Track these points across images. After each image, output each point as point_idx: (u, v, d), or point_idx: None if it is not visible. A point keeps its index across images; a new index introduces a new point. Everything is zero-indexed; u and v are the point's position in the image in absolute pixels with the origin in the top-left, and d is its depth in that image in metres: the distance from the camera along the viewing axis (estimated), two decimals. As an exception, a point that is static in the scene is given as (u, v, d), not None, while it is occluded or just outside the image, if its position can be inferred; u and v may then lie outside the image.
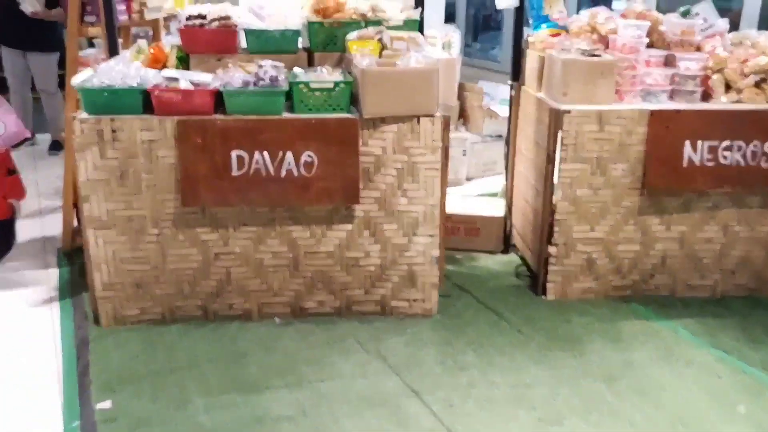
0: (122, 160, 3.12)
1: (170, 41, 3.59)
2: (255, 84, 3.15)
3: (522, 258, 4.17)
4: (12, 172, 5.14)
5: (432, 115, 3.22)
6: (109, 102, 3.08)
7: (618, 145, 3.47)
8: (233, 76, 3.17)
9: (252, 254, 3.32)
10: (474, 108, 5.83)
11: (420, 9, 3.76)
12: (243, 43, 3.57)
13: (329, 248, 3.35)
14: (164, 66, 3.46)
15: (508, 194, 4.34)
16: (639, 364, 3.12)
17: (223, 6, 3.64)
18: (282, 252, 3.34)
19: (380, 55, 3.42)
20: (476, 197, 4.70)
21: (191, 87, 3.16)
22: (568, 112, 3.41)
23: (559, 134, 3.44)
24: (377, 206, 3.31)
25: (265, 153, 3.15)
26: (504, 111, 6.03)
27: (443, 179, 3.32)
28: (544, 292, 3.70)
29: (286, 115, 3.19)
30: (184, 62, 3.50)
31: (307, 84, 3.18)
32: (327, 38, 3.58)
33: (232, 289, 3.36)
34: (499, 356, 3.18)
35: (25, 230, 4.57)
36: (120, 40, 4.23)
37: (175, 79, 3.19)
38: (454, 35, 5.89)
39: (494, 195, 5.03)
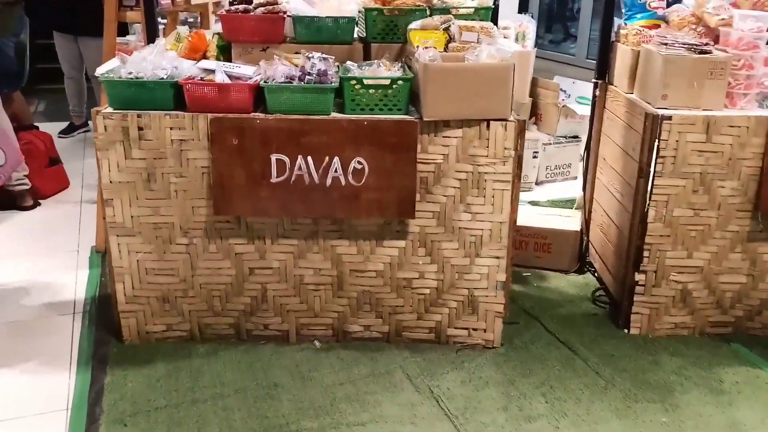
0: (149, 161, 2.77)
1: (217, 29, 3.21)
2: (301, 79, 2.74)
3: (599, 280, 3.65)
4: (55, 161, 4.94)
5: (505, 120, 2.75)
6: (136, 96, 2.73)
7: (727, 158, 2.91)
8: (277, 69, 2.77)
9: (291, 270, 2.93)
10: (548, 106, 5.29)
11: (494, -5, 3.28)
12: (292, 31, 3.16)
13: (378, 267, 2.93)
14: (204, 56, 3.09)
15: (586, 207, 3.82)
16: (747, 426, 2.59)
17: (271, -11, 3.25)
18: (325, 269, 2.94)
19: (446, 48, 2.96)
20: (548, 207, 4.19)
21: (228, 80, 2.78)
22: (669, 118, 2.88)
23: (656, 144, 2.91)
24: (435, 222, 2.87)
25: (309, 158, 2.75)
26: (582, 110, 5.49)
27: (514, 193, 2.84)
28: (628, 326, 3.19)
29: (335, 115, 2.78)
30: (225, 52, 3.12)
31: (360, 80, 2.75)
32: (386, 28, 3.14)
33: (267, 308, 2.99)
34: (573, 404, 2.69)
35: (62, 223, 4.33)
36: (163, 27, 3.91)
37: (212, 71, 2.82)
38: (529, 26, 5.37)
39: (568, 205, 4.52)
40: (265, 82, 2.76)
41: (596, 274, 3.72)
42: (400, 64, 3.04)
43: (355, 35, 3.19)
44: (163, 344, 2.99)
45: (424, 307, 2.99)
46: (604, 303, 3.46)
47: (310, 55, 2.80)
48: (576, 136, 5.44)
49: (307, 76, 2.74)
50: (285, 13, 3.08)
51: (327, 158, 2.75)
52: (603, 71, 3.60)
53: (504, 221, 2.86)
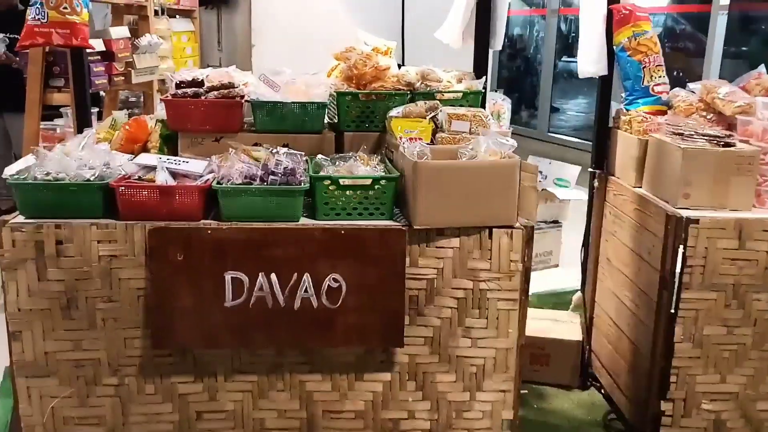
0: (70, 283, 2.20)
1: (162, 114, 2.70)
2: (263, 179, 2.24)
3: (609, 400, 3.16)
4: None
5: (510, 227, 2.29)
6: (55, 201, 2.19)
7: (763, 267, 2.50)
8: (233, 167, 2.27)
9: (249, 413, 2.36)
10: (526, 189, 4.85)
11: (483, 79, 2.87)
12: (250, 116, 2.67)
13: (358, 406, 2.38)
14: (144, 147, 2.58)
15: (586, 312, 3.37)
16: None
17: (227, 71, 2.77)
18: (291, 410, 2.37)
19: (433, 140, 2.52)
20: (541, 309, 3.73)
21: (172, 180, 2.26)
22: (696, 221, 2.46)
23: (682, 250, 2.49)
24: (428, 349, 2.35)
25: (273, 276, 2.22)
26: (561, 193, 5.13)
27: (522, 312, 2.36)
28: (652, 461, 2.69)
29: (305, 222, 2.28)
30: (170, 142, 2.61)
31: (335, 180, 2.27)
32: (362, 114, 2.69)
33: (220, 461, 2.39)
34: None
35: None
36: (98, 111, 3.39)
37: (152, 168, 2.30)
38: (504, 105, 5.03)
39: (557, 300, 4.07)
40: (218, 183, 2.25)
41: (603, 391, 3.23)
42: (379, 158, 2.58)
43: (326, 121, 2.72)
44: None
45: (413, 454, 2.44)
46: (617, 430, 2.95)
47: (275, 150, 2.31)
48: (556, 221, 5.06)
49: (271, 176, 2.24)
50: (242, 97, 2.60)
51: (295, 275, 2.23)
52: (600, 160, 3.21)
53: (511, 347, 2.36)
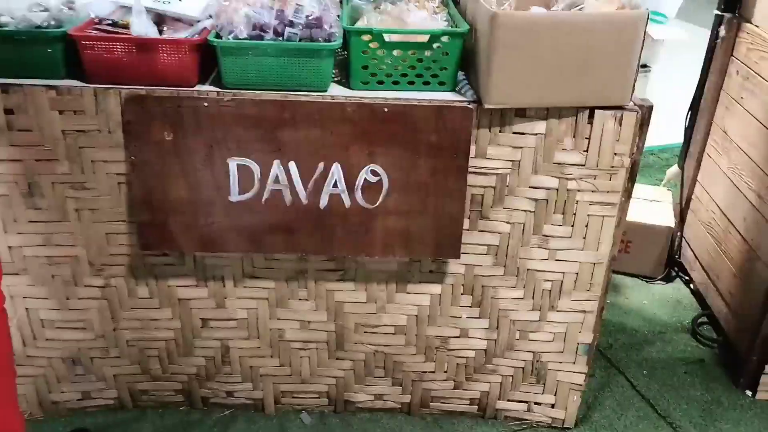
0: (29, 165, 1.68)
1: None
2: (278, 33, 1.60)
3: (700, 299, 2.65)
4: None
5: (620, 108, 1.64)
6: (2, 57, 1.61)
7: None
8: (238, 11, 1.62)
9: (266, 323, 1.93)
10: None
11: None
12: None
13: (399, 321, 1.93)
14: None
15: (684, 191, 2.76)
16: None
17: None
18: (317, 322, 1.93)
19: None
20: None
21: (155, 32, 1.64)
22: None
23: None
24: (491, 260, 1.83)
25: (292, 165, 1.67)
26: (655, 30, 4.27)
27: (620, 220, 1.78)
28: (754, 388, 2.23)
29: (336, 92, 1.67)
30: (161, -33, 1.95)
31: (377, 34, 1.62)
32: (419, -68, 1.95)
33: (232, 371, 2.00)
34: None
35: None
36: None
37: (129, 10, 1.67)
38: None
39: (646, 174, 3.45)
40: (217, 35, 1.62)
41: (693, 287, 2.71)
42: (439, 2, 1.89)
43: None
44: (83, 413, 2.03)
45: (465, 375, 2.01)
46: (710, 341, 2.47)
47: (295, -12, 1.65)
48: (645, 65, 4.24)
49: (289, 28, 1.59)
50: None
51: (321, 165, 1.67)
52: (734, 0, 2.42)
53: (600, 261, 1.82)
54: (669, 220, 2.73)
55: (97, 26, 1.66)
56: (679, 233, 2.77)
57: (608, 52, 1.56)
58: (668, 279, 2.79)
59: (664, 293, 2.73)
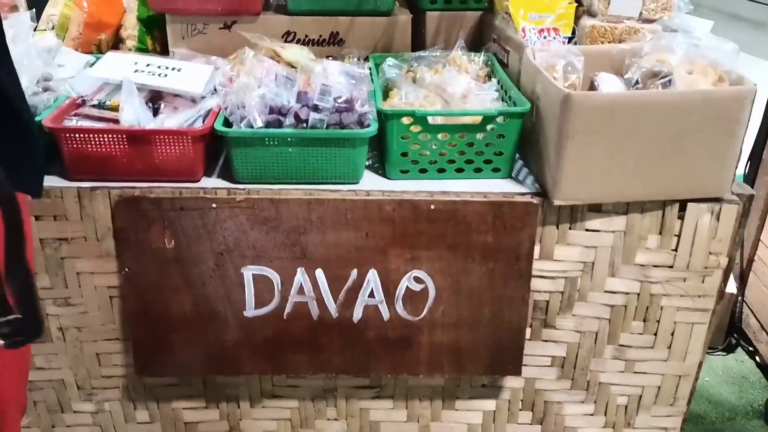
0: (1, 281, 1.39)
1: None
2: (300, 118, 1.31)
3: (763, 368, 2.35)
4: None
5: (718, 200, 1.35)
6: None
7: None
8: (251, 91, 1.34)
9: (289, 446, 1.63)
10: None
11: None
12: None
13: (447, 440, 1.63)
14: (115, 39, 1.66)
15: (746, 252, 2.47)
16: None
17: None
18: (350, 443, 1.63)
19: (575, 32, 1.53)
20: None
21: (147, 115, 1.36)
22: None
23: None
24: (555, 372, 1.54)
25: (319, 272, 1.38)
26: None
27: (713, 327, 1.49)
28: None
29: (370, 183, 1.38)
30: (156, 29, 1.67)
31: (420, 117, 1.33)
32: (458, -18, 1.68)
33: (250, 498, 1.71)
34: None
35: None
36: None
37: (117, 87, 1.39)
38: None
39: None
40: (226, 120, 1.34)
41: (759, 359, 2.41)
42: (484, 56, 1.61)
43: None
44: None
45: (521, 497, 1.71)
46: (788, 429, 2.17)
47: (322, 65, 1.37)
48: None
49: (313, 114, 1.30)
50: (266, -44, 1.61)
51: (355, 272, 1.38)
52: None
53: (687, 373, 1.53)
54: (729, 283, 2.44)
55: (79, 110, 1.38)
56: (740, 297, 2.48)
57: (705, 136, 1.27)
58: (729, 349, 2.49)
59: (728, 367, 2.43)
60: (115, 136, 1.30)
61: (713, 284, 1.42)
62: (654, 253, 1.39)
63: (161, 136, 1.31)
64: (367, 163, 1.44)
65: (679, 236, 1.38)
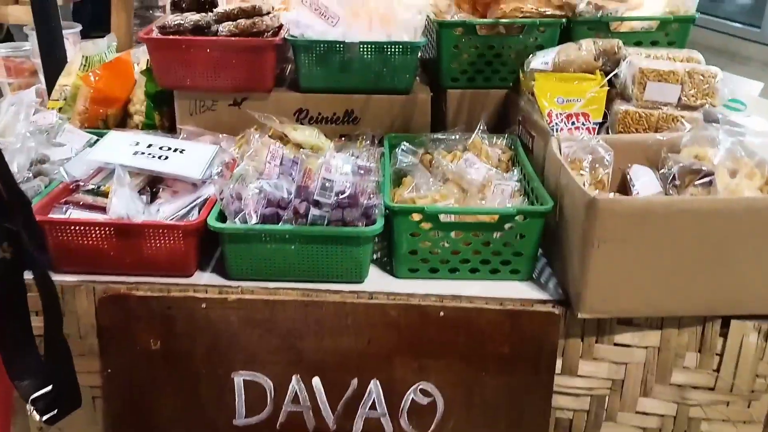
0: (-22, 377, 1.30)
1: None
2: (299, 212, 1.21)
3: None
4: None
5: (766, 317, 1.20)
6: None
7: None
8: (248, 184, 1.24)
9: None
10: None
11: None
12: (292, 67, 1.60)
13: None
14: (123, 114, 1.59)
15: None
16: None
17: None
18: None
19: (606, 117, 1.40)
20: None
21: (138, 212, 1.27)
22: None
23: None
24: (580, 496, 1.37)
25: (316, 380, 1.26)
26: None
27: (757, 453, 1.31)
28: None
29: (375, 282, 1.26)
30: (164, 105, 1.61)
31: (431, 215, 1.22)
32: (480, 60, 1.57)
33: None
34: None
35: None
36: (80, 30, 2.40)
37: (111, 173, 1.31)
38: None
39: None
40: (221, 210, 1.24)
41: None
42: (506, 138, 1.50)
43: (417, 71, 1.62)
44: None
45: None
46: None
47: (331, 155, 1.27)
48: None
49: (314, 209, 1.20)
50: (277, 33, 1.53)
51: (355, 381, 1.26)
52: None
53: (730, 507, 1.34)
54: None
55: (71, 197, 1.30)
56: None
57: (751, 247, 1.12)
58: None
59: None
60: (102, 229, 1.21)
61: (761, 410, 1.25)
62: (693, 372, 1.23)
63: (151, 230, 1.21)
64: (375, 256, 1.32)
65: (721, 355, 1.22)
